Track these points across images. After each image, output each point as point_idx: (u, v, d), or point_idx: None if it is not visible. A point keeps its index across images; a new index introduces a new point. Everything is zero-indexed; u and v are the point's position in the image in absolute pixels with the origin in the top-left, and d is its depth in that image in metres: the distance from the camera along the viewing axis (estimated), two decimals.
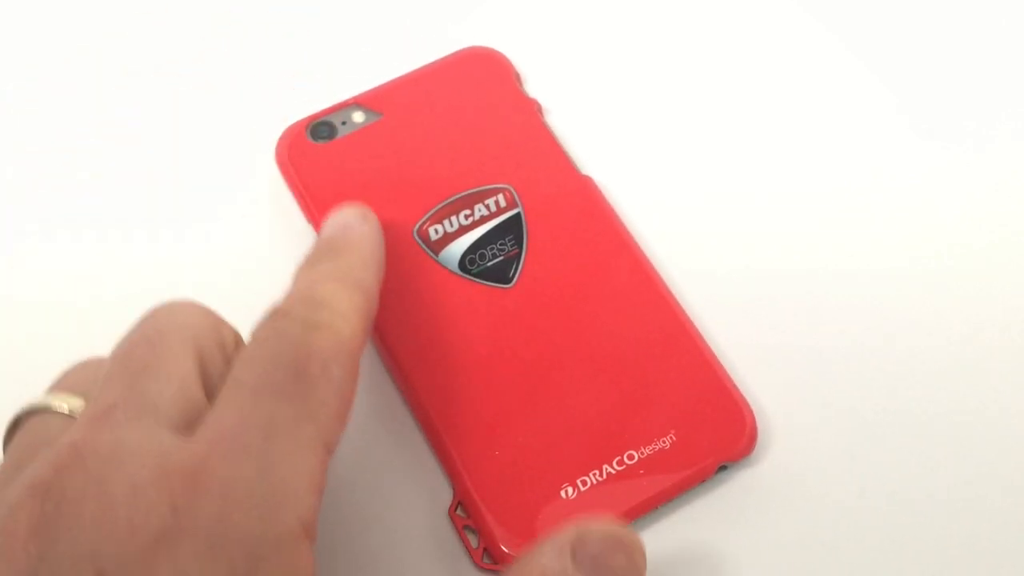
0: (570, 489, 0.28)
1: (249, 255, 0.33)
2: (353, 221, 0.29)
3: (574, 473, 0.28)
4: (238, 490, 0.20)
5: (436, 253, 0.32)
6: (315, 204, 0.32)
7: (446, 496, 0.29)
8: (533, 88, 0.36)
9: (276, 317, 0.24)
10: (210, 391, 0.24)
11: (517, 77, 0.36)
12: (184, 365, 0.23)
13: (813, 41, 0.38)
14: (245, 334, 0.25)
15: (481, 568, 0.28)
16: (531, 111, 0.35)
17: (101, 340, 0.26)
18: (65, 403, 0.24)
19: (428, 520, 0.28)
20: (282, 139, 0.34)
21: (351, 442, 0.30)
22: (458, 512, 0.28)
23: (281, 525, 0.21)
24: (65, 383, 0.25)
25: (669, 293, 0.31)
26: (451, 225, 0.32)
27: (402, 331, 0.30)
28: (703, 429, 0.29)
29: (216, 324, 0.25)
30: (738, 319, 0.31)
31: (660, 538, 0.28)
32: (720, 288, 0.32)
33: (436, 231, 0.32)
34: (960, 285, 0.32)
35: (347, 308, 0.25)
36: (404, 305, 0.31)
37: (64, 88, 0.37)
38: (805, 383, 0.31)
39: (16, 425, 0.24)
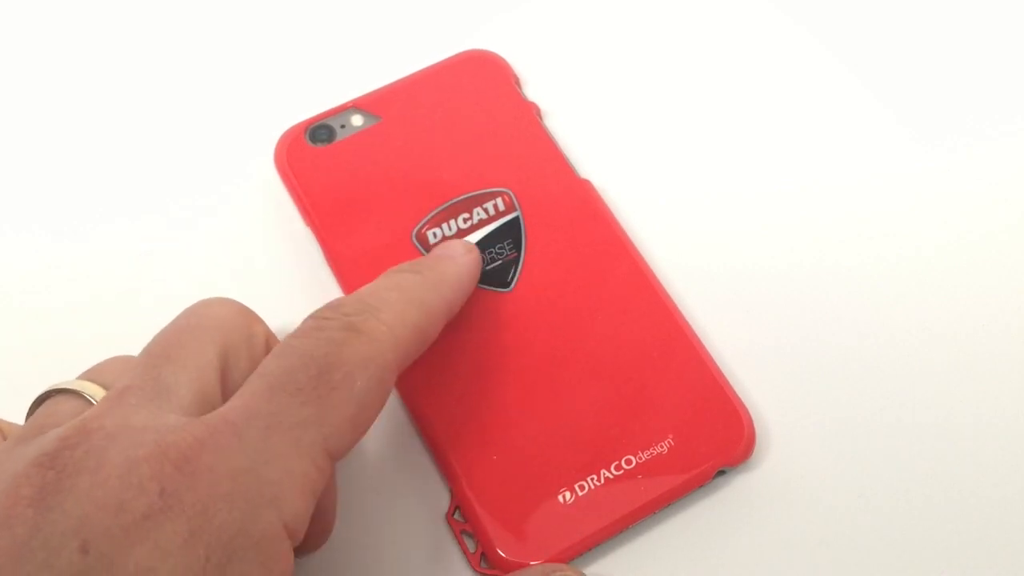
0: (568, 494, 0.28)
1: (247, 259, 0.33)
2: (456, 251, 0.30)
3: (572, 478, 0.28)
4: (224, 482, 0.21)
5: None
6: (313, 207, 0.32)
7: (444, 501, 0.29)
8: (532, 91, 0.36)
9: (324, 312, 0.24)
10: (229, 384, 0.24)
11: (516, 80, 0.35)
12: (204, 356, 0.24)
13: (808, 48, 0.38)
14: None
15: (478, 572, 0.28)
16: (530, 114, 0.34)
17: (101, 343, 0.26)
18: (87, 389, 0.24)
19: (426, 525, 0.28)
20: (280, 142, 0.34)
21: None
22: (456, 517, 0.28)
23: (262, 523, 0.21)
24: (92, 372, 0.26)
25: (667, 297, 0.31)
26: (450, 229, 0.32)
27: None
28: (701, 434, 0.29)
29: (248, 321, 0.26)
30: (736, 323, 0.31)
31: (659, 543, 0.28)
32: (718, 292, 0.32)
33: (435, 235, 0.32)
34: (959, 288, 0.32)
35: (396, 320, 0.25)
36: None
37: (62, 90, 0.37)
38: (803, 387, 0.31)
39: (40, 403, 0.25)
